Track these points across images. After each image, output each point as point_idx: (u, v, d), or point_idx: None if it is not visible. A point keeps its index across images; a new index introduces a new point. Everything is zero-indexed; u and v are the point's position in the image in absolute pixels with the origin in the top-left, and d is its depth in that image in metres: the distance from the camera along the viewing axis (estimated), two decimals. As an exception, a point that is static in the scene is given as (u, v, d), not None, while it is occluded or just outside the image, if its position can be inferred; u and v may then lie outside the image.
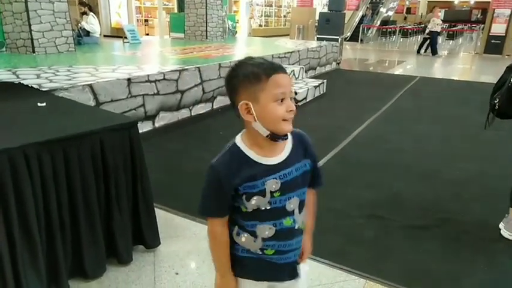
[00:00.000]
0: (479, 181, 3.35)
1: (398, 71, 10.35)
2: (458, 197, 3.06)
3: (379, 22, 19.55)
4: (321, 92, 6.76)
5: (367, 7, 18.74)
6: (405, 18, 26.70)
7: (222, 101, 5.49)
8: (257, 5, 20.34)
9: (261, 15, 20.95)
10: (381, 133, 4.67)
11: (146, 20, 16.51)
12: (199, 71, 5.11)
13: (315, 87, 6.50)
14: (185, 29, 9.57)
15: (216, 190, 1.06)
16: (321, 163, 3.26)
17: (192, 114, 5.10)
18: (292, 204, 1.09)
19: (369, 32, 18.84)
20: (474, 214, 2.80)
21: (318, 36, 10.72)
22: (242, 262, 1.14)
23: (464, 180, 3.37)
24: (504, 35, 14.57)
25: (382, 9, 19.65)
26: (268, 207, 1.07)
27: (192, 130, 4.61)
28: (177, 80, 4.76)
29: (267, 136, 1.02)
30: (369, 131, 4.76)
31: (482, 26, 16.57)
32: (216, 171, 1.05)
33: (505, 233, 2.48)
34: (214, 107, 5.47)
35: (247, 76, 0.99)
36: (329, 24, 10.65)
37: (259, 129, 1.01)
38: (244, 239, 1.12)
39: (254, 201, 1.06)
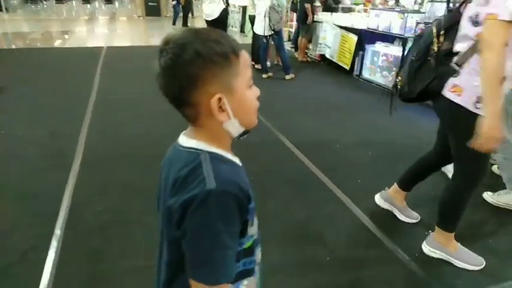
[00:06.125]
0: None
1: (76, 43, 9.01)
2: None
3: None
4: (-6, 88, 4.80)
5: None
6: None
7: None
8: None
9: None
10: (115, 121, 3.74)
11: None
12: None
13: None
14: None
15: (233, 225, 0.70)
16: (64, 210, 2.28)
17: None
18: None
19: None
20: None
21: None
22: None
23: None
24: (159, -3, 15.59)
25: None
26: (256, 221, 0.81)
27: None
28: None
29: (238, 136, 0.77)
30: (100, 127, 3.71)
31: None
32: (229, 195, 0.69)
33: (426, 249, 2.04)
34: None
35: (212, 58, 0.68)
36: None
37: (233, 128, 0.75)
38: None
39: (255, 221, 0.80)
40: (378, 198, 2.40)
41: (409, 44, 4.87)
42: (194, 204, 0.67)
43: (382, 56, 5.36)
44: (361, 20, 5.83)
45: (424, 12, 4.92)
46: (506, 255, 2.05)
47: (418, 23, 4.77)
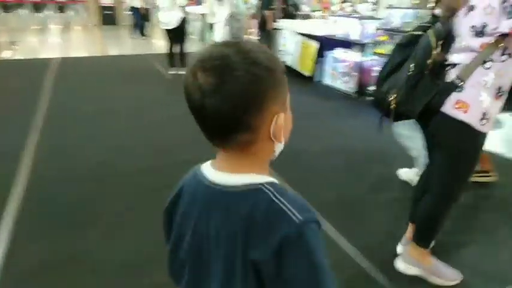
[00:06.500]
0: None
1: (26, 54, 8.49)
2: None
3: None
4: None
5: None
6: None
7: None
8: None
9: None
10: (64, 142, 3.45)
11: None
12: None
13: None
14: None
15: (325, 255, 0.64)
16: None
17: None
18: None
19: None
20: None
21: None
22: None
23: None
24: (114, 6, 15.08)
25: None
26: None
27: None
28: None
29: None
30: (49, 147, 3.40)
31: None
32: (315, 222, 0.63)
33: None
34: None
35: (275, 75, 0.63)
36: None
37: (279, 149, 0.69)
38: None
39: None
40: (400, 249, 2.02)
41: (369, 50, 4.92)
42: (290, 246, 0.59)
43: (342, 61, 5.37)
44: (321, 27, 5.84)
45: (381, 18, 4.98)
46: (481, 265, 2.02)
47: (378, 29, 4.81)
